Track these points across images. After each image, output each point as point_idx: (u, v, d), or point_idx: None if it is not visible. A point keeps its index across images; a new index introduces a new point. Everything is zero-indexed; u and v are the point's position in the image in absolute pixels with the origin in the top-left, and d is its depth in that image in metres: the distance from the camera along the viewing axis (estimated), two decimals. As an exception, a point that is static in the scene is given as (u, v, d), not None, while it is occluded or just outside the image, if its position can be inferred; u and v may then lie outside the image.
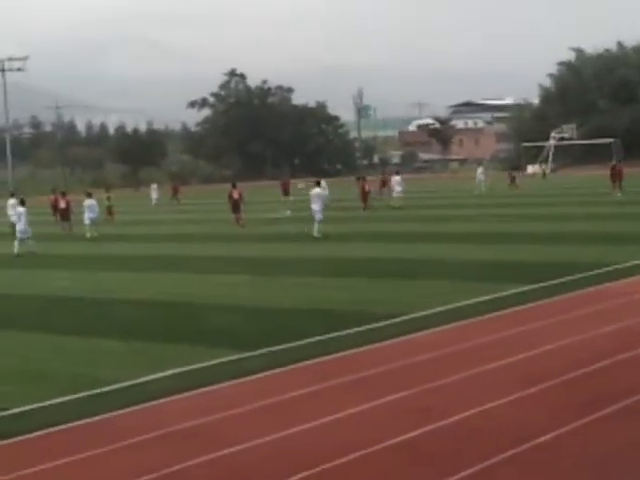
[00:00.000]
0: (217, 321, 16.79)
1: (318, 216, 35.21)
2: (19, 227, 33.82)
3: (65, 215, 45.85)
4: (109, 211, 51.64)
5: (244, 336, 15.12)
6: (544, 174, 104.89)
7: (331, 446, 9.03)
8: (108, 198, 52.47)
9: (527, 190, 65.47)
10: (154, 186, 78.36)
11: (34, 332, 16.56)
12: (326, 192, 37.75)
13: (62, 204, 46.63)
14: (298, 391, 11.25)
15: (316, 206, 35.60)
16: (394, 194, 54.08)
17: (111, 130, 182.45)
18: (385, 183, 62.21)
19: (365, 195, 53.30)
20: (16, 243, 33.27)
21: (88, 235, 40.07)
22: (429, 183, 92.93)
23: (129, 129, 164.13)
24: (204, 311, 18.05)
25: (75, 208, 46.14)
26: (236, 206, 44.11)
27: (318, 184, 38.21)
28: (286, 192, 68.51)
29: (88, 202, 42.25)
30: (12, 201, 47.40)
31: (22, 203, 35.11)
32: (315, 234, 34.36)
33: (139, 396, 11.40)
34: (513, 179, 71.15)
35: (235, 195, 43.95)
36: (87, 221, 41.30)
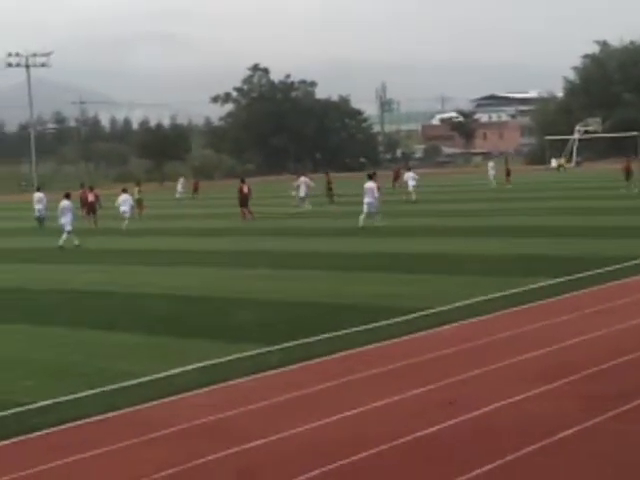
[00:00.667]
0: (239, 315, 16.78)
1: (368, 209, 36.13)
2: (63, 220, 34.59)
3: (92, 208, 46.21)
4: (139, 205, 51.84)
5: (266, 330, 15.10)
6: (560, 167, 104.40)
7: (353, 440, 9.00)
8: (139, 192, 52.74)
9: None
10: (181, 180, 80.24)
11: (61, 326, 16.61)
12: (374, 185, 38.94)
13: (90, 198, 46.87)
14: (320, 385, 11.23)
15: (368, 199, 36.50)
16: (410, 188, 53.76)
17: (135, 125, 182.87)
18: (398, 176, 65.11)
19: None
20: (64, 236, 33.99)
21: (124, 227, 40.19)
22: (450, 177, 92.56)
23: (153, 124, 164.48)
24: (226, 305, 18.06)
25: (103, 202, 47.05)
26: (244, 200, 44.59)
27: (370, 177, 38.58)
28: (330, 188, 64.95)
29: (123, 197, 43.10)
30: (38, 195, 48.86)
31: (67, 197, 35.86)
32: (361, 224, 35.32)
33: (161, 390, 11.40)
34: (508, 173, 67.71)
35: (244, 190, 44.37)
36: (125, 214, 41.76)
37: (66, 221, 34.50)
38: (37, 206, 48.42)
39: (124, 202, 42.90)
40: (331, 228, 36.73)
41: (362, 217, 35.78)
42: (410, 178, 55.03)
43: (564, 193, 54.07)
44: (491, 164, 71.58)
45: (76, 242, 33.69)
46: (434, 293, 18.00)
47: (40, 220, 47.96)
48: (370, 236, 31.99)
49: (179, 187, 77.94)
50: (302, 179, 56.75)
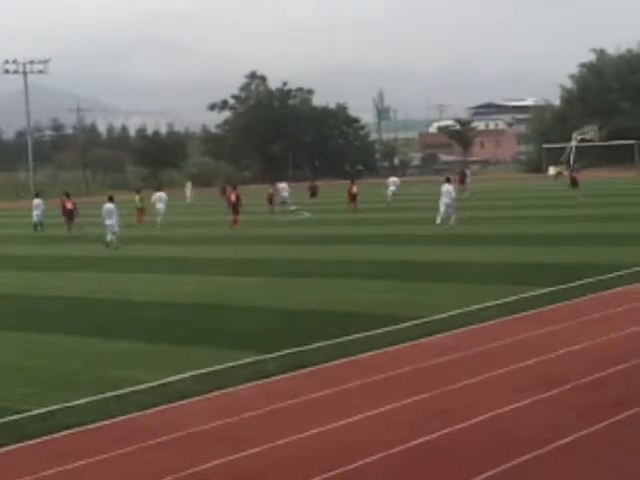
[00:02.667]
0: (238, 323, 16.81)
1: (446, 209, 39.28)
2: (109, 222, 36.06)
3: (70, 216, 47.90)
4: (140, 212, 51.88)
5: (265, 338, 15.13)
6: (558, 175, 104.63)
7: (351, 448, 9.03)
8: (140, 200, 52.67)
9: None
10: (189, 184, 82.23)
11: (58, 334, 16.63)
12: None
13: (69, 205, 48.48)
14: (318, 393, 11.26)
15: (445, 199, 39.72)
16: (389, 193, 58.75)
17: (132, 132, 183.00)
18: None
19: (353, 197, 55.50)
20: (108, 236, 35.69)
21: (107, 240, 38.74)
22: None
23: (150, 131, 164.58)
24: (223, 313, 18.09)
25: (81, 210, 49.08)
26: (235, 208, 44.97)
27: (447, 180, 42.15)
28: (314, 193, 70.34)
29: (107, 207, 41.86)
30: (37, 201, 50.73)
31: (111, 200, 37.63)
32: (438, 222, 38.67)
33: (159, 397, 11.44)
34: (462, 177, 67.77)
35: (233, 198, 44.80)
36: (109, 229, 39.43)
37: (111, 223, 36.11)
38: (35, 211, 50.06)
39: (108, 214, 37.52)
40: (329, 235, 36.75)
41: (439, 217, 39.18)
42: (391, 184, 60.46)
43: (558, 202, 54.12)
44: (467, 172, 75.44)
45: (116, 244, 35.34)
46: (429, 301, 18.03)
47: (37, 225, 49.42)
48: (366, 243, 32.04)
49: (187, 192, 79.20)
50: (281, 185, 60.78)
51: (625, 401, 10.06)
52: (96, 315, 18.74)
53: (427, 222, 41.42)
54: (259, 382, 12.05)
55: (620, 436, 9.01)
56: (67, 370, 13.59)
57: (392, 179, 64.39)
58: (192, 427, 10.07)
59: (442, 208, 39.54)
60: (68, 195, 50.02)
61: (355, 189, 56.27)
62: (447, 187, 40.61)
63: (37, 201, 51.12)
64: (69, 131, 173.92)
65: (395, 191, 61.78)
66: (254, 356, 13.53)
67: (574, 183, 65.12)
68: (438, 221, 38.88)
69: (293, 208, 56.71)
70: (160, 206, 48.33)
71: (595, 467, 8.21)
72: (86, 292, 22.37)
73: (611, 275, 20.06)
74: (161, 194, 49.99)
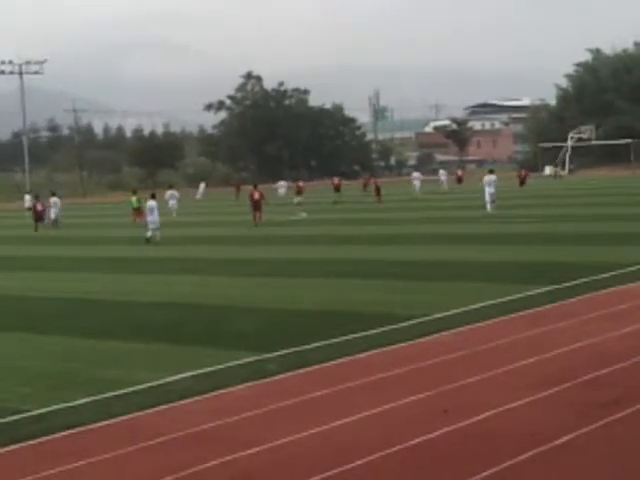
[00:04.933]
0: (237, 323, 16.79)
1: (491, 198, 45.98)
2: (150, 218, 38.17)
3: (40, 217, 52.37)
4: (137, 213, 51.91)
5: (263, 338, 15.12)
6: (556, 175, 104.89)
7: (350, 447, 9.01)
8: (138, 200, 52.75)
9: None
10: (202, 184, 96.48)
11: (54, 335, 16.61)
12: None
13: (39, 207, 53.19)
14: (316, 393, 11.23)
15: (490, 189, 46.09)
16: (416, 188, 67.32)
17: (128, 133, 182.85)
18: (367, 184, 79.76)
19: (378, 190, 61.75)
20: (149, 232, 37.68)
21: (149, 235, 38.24)
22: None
23: (146, 132, 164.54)
24: (224, 312, 18.07)
25: (47, 212, 53.93)
26: (257, 206, 46.23)
27: (491, 172, 49.06)
28: (299, 193, 70.32)
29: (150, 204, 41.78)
30: (53, 199, 55.46)
31: (153, 197, 39.78)
32: (488, 209, 45.13)
33: (157, 398, 11.41)
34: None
35: (256, 196, 46.02)
36: (150, 225, 39.11)
37: (153, 219, 38.09)
38: (53, 209, 54.59)
39: (150, 211, 38.79)
40: (328, 235, 36.79)
41: (488, 205, 45.54)
42: (416, 178, 73.54)
43: (557, 201, 54.22)
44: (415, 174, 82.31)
45: (157, 239, 37.38)
46: (431, 300, 18.02)
47: (55, 222, 53.95)
48: (367, 243, 32.06)
49: (200, 190, 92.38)
50: (281, 183, 69.40)
51: (624, 399, 10.05)
52: (95, 316, 18.71)
53: (424, 222, 41.56)
54: (259, 382, 12.03)
55: (619, 434, 9.00)
56: (66, 370, 13.56)
57: (416, 174, 75.94)
58: (192, 427, 10.04)
59: (488, 197, 45.94)
60: (37, 197, 56.01)
61: (377, 182, 65.02)
62: (491, 177, 46.78)
63: (54, 199, 55.16)
64: (65, 132, 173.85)
65: (420, 186, 72.99)
66: (253, 356, 13.51)
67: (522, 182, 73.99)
68: (488, 209, 45.05)
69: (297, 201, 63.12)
70: (172, 202, 52.13)
71: (594, 465, 8.19)
72: (85, 293, 22.35)
73: (609, 274, 20.06)
74: (173, 192, 55.27)
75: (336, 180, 74.44)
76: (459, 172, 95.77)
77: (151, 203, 39.00)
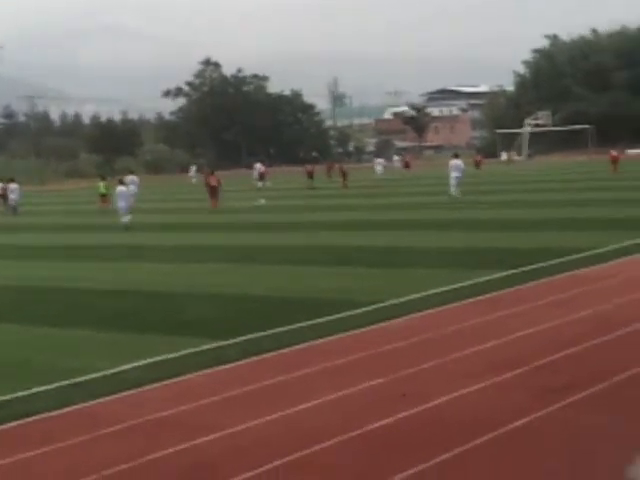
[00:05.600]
0: (194, 310, 16.75)
1: (457, 181, 46.37)
2: (121, 204, 38.47)
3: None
4: (103, 199, 51.90)
5: (221, 325, 15.09)
6: (509, 160, 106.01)
7: (306, 433, 9.04)
8: (105, 186, 52.68)
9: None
10: (193, 168, 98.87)
11: (6, 323, 16.47)
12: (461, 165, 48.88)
13: None
14: (273, 379, 11.25)
15: (455, 173, 46.66)
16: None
17: (85, 120, 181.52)
18: (331, 168, 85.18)
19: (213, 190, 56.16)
20: (124, 219, 37.83)
21: (123, 221, 38.28)
22: (402, 171, 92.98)
23: (103, 119, 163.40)
24: (181, 300, 18.01)
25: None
26: (214, 192, 45.84)
27: (456, 156, 49.64)
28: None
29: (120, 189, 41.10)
30: (12, 186, 55.53)
31: (122, 183, 40.96)
32: (452, 192, 45.56)
33: (113, 386, 11.36)
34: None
35: (213, 182, 46.32)
36: (122, 210, 39.15)
37: (123, 205, 38.30)
38: (11, 195, 54.85)
39: (121, 197, 39.29)
40: (287, 222, 36.81)
41: (452, 189, 45.87)
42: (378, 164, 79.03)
43: (513, 187, 54.59)
44: (396, 158, 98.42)
45: (127, 223, 37.43)
46: (385, 287, 18.08)
47: (13, 209, 54.14)
48: (322, 230, 32.10)
49: (191, 173, 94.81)
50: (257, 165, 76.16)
51: (579, 383, 10.16)
52: (48, 304, 18.57)
53: (381, 208, 41.70)
54: (216, 369, 12.02)
55: (574, 417, 9.10)
56: (19, 359, 13.45)
57: (379, 160, 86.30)
58: (148, 415, 10.03)
59: (453, 181, 46.22)
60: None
61: (344, 167, 67.60)
62: (456, 161, 47.51)
63: (13, 186, 55.31)
64: (21, 119, 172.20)
65: (382, 171, 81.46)
66: (211, 343, 13.49)
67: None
68: (452, 192, 45.46)
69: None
70: (132, 188, 50.97)
71: (547, 449, 8.28)
72: (37, 280, 22.19)
73: (564, 259, 20.23)
74: (133, 177, 55.39)
75: (309, 167, 75.93)
76: (406, 158, 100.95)
77: (121, 189, 39.42)
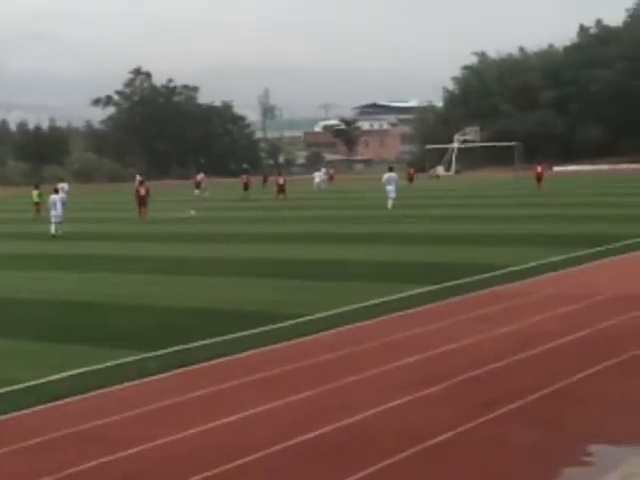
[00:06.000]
0: (121, 321, 16.63)
1: (390, 195, 47.21)
2: (53, 213, 38.55)
3: None
4: (37, 207, 51.16)
5: (146, 336, 15.00)
6: (435, 176, 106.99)
7: (233, 446, 9.04)
8: (38, 195, 51.94)
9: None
10: (137, 177, 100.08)
11: None
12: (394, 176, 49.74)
13: None
14: (200, 391, 11.23)
15: (390, 186, 47.53)
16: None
17: (12, 127, 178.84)
18: (266, 180, 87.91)
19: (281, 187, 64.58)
20: (52, 226, 37.99)
21: (52, 232, 38.06)
22: (332, 185, 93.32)
23: (31, 126, 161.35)
24: (109, 311, 17.85)
25: None
26: (142, 201, 47.13)
27: (390, 169, 50.42)
28: (198, 185, 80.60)
29: (53, 198, 40.63)
30: None
31: (56, 191, 41.53)
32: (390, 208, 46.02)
33: (36, 398, 11.21)
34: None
35: (142, 191, 46.61)
36: (52, 218, 38.94)
37: (56, 214, 38.43)
38: None
39: (53, 205, 39.15)
40: (216, 233, 36.72)
41: (389, 203, 46.54)
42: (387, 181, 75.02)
43: (440, 201, 55.12)
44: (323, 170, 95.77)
45: (59, 232, 37.58)
46: (313, 300, 18.13)
47: None
48: (255, 242, 32.10)
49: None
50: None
51: (500, 398, 10.30)
52: (-27, 313, 18.27)
53: (309, 220, 41.83)
54: (141, 381, 11.95)
55: (496, 432, 9.22)
56: (-58, 370, 13.22)
57: (317, 173, 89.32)
58: (71, 427, 9.94)
59: (389, 194, 47.14)
60: None
61: (282, 180, 65.62)
62: (391, 175, 48.46)
63: None
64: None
65: (320, 183, 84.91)
66: (136, 355, 13.41)
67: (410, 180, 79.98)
68: (389, 206, 46.31)
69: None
70: (62, 196, 48.96)
71: (471, 463, 8.38)
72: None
73: (488, 275, 20.48)
74: (63, 185, 55.24)
75: (244, 178, 75.90)
76: (331, 171, 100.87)
77: (54, 197, 39.61)
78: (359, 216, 43.68)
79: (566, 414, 9.76)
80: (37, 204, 51.43)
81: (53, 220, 38.32)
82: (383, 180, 49.54)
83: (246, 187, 73.60)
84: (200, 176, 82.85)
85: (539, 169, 67.94)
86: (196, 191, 78.37)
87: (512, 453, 8.62)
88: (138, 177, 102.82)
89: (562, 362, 12.04)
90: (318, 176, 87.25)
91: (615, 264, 22.18)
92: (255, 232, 36.70)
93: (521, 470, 8.19)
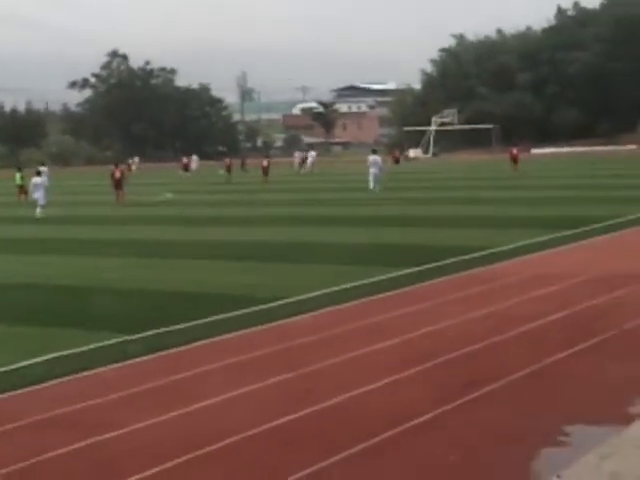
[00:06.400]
0: (101, 304, 16.57)
1: (374, 178, 47.23)
2: (37, 195, 39.00)
3: None
4: (21, 190, 50.89)
5: (127, 319, 14.95)
6: (406, 158, 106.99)
7: (210, 430, 9.03)
8: (22, 177, 51.65)
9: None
10: (194, 157, 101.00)
11: None
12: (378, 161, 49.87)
13: None
14: (180, 375, 11.20)
15: (373, 169, 47.81)
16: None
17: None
18: (244, 163, 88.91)
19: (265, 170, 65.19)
20: (38, 209, 38.38)
21: (38, 215, 38.51)
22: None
23: (7, 109, 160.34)
24: (88, 294, 17.78)
25: None
26: (118, 184, 47.21)
27: (374, 152, 51.69)
28: (186, 168, 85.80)
29: (35, 180, 41.10)
30: None
31: (38, 174, 41.57)
32: (371, 187, 46.79)
33: (14, 382, 11.16)
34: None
35: (117, 174, 46.71)
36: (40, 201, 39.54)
37: (39, 196, 38.73)
38: None
39: (36, 187, 40.33)
40: (194, 216, 36.65)
41: (370, 185, 46.85)
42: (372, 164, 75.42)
43: (419, 184, 55.15)
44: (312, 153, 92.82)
45: (42, 215, 37.67)
46: (291, 283, 18.12)
47: None
48: (234, 225, 32.06)
49: (193, 165, 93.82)
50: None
51: (481, 379, 10.33)
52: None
53: (287, 204, 41.78)
54: (120, 364, 11.92)
55: (474, 414, 9.25)
56: None
57: (312, 152, 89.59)
58: (51, 411, 9.90)
59: (372, 177, 47.31)
60: None
61: (266, 163, 65.94)
62: (374, 157, 48.67)
63: None
64: None
65: (313, 163, 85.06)
66: (117, 338, 13.37)
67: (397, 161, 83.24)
68: (372, 187, 46.64)
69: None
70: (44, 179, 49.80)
71: (451, 444, 8.41)
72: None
73: (469, 256, 20.52)
74: (44, 168, 52.63)
75: (228, 161, 76.47)
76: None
77: (36, 180, 39.85)
78: (338, 198, 43.65)
79: (544, 395, 9.80)
80: (21, 187, 51.14)
81: (38, 203, 38.67)
82: (368, 163, 49.55)
83: (228, 169, 73.89)
84: (190, 158, 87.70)
85: (514, 151, 68.94)
86: (181, 172, 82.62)
87: (490, 434, 8.64)
88: (136, 159, 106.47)
89: (541, 343, 12.09)
90: (311, 156, 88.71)
91: (595, 245, 22.26)
92: (235, 215, 36.63)
93: (499, 451, 8.21)
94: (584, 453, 7.84)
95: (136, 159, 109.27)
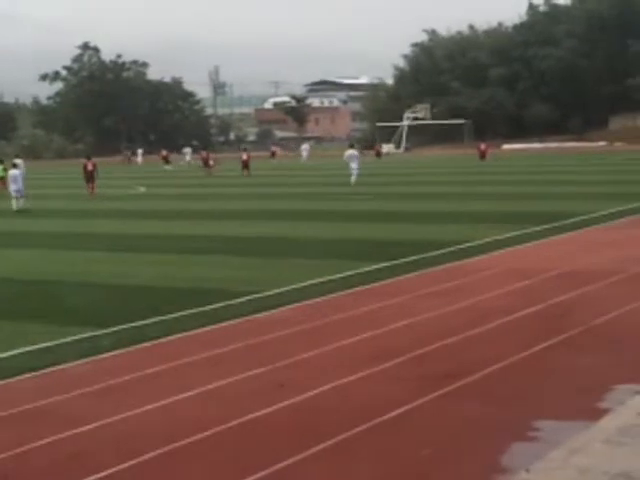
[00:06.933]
0: (71, 298, 16.48)
1: (353, 172, 47.39)
2: (14, 187, 38.53)
3: None
4: (2, 182, 50.47)
5: (99, 313, 14.88)
6: (386, 153, 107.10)
7: (185, 424, 8.99)
8: (3, 169, 51.14)
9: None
10: (139, 151, 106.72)
11: None
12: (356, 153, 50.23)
13: None
14: (153, 369, 11.16)
15: (352, 164, 47.66)
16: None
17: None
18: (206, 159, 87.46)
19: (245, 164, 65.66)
20: (13, 201, 38.34)
21: (14, 207, 38.45)
22: (279, 162, 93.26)
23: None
24: (58, 288, 17.69)
25: None
26: (90, 177, 48.03)
27: (352, 146, 52.11)
28: (167, 161, 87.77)
29: (13, 172, 40.57)
30: None
31: (15, 166, 42.12)
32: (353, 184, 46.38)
33: (-12, 375, 11.09)
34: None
35: (89, 167, 47.10)
36: (13, 193, 39.22)
37: (18, 187, 38.42)
38: None
39: (14, 179, 39.33)
40: (167, 210, 36.52)
41: (353, 179, 46.87)
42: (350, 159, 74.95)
43: (393, 179, 55.21)
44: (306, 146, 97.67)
45: (21, 207, 37.97)
46: (265, 277, 18.09)
47: None
48: (208, 219, 31.96)
49: (187, 157, 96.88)
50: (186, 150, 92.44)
51: (454, 373, 10.34)
52: None
53: (264, 197, 41.74)
54: (93, 358, 11.85)
55: (449, 407, 9.26)
56: None
57: (304, 146, 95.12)
58: (22, 405, 9.82)
59: (354, 171, 47.36)
60: None
61: (245, 156, 66.21)
62: (352, 152, 48.97)
63: None
64: None
65: (307, 156, 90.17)
66: (89, 332, 13.29)
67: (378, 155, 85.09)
68: (352, 181, 46.86)
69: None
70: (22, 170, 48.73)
71: (425, 437, 8.41)
72: None
73: (443, 251, 20.58)
74: (19, 161, 52.88)
75: (204, 154, 77.09)
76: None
77: (14, 172, 39.52)
78: (312, 193, 43.60)
79: (516, 389, 9.82)
80: (2, 178, 50.58)
81: (14, 195, 38.49)
82: (345, 157, 49.70)
83: (206, 163, 74.19)
84: (170, 151, 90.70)
85: (482, 146, 71.48)
86: (167, 167, 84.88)
87: (462, 428, 8.65)
88: (140, 151, 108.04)
89: (515, 337, 12.12)
90: (305, 149, 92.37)
91: (569, 240, 22.35)
92: (208, 209, 36.53)
93: (470, 445, 8.22)
94: (553, 448, 7.86)
95: (140, 150, 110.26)
